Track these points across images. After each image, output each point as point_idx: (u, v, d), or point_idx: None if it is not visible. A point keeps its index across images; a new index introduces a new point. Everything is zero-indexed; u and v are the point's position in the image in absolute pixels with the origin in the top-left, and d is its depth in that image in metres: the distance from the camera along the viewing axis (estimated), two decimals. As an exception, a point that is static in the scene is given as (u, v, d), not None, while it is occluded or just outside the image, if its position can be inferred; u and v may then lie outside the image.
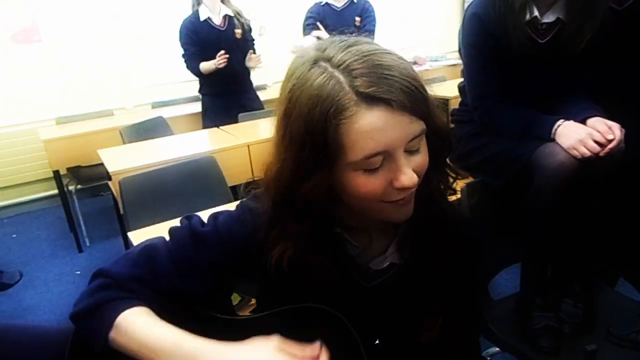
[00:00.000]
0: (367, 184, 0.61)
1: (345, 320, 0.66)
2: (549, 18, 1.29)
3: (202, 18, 2.97)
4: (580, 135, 1.18)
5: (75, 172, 3.14)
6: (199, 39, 2.96)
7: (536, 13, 1.28)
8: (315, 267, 0.67)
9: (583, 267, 1.41)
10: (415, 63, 4.99)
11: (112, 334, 0.66)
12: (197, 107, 3.60)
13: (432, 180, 0.69)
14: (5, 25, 3.47)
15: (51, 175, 3.06)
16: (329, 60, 0.60)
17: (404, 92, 0.58)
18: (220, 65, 2.87)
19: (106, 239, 3.16)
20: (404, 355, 0.72)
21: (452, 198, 0.78)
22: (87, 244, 3.11)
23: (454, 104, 1.70)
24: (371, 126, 0.58)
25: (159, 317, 0.68)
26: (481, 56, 1.38)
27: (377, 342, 0.71)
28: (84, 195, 3.60)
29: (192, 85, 3.92)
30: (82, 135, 2.99)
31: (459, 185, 1.34)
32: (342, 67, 0.59)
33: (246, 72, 3.19)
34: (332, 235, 0.70)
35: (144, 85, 3.98)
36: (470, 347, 0.83)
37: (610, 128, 1.18)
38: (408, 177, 0.60)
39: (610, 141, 1.17)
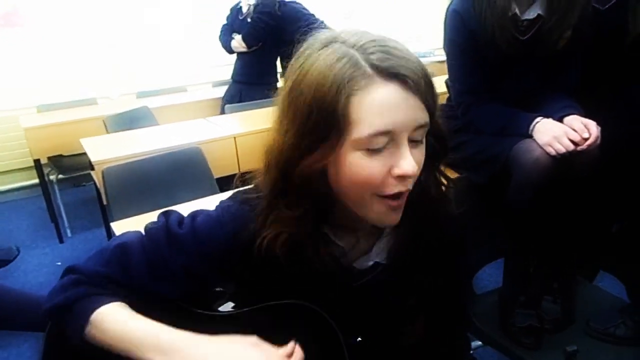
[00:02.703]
0: (366, 167, 0.59)
1: (327, 317, 0.66)
2: (529, 15, 1.30)
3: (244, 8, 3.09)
4: (556, 133, 1.20)
5: (57, 161, 3.08)
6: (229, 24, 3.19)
7: (516, 10, 1.29)
8: (303, 258, 0.66)
9: (561, 264, 1.44)
10: (403, 58, 5.00)
11: (88, 329, 0.65)
12: (183, 97, 3.56)
13: (422, 182, 0.67)
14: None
15: (32, 164, 2.99)
16: (343, 42, 0.60)
17: (419, 75, 0.58)
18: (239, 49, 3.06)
19: (88, 230, 3.12)
20: (385, 354, 0.72)
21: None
22: (69, 234, 3.06)
23: (442, 101, 1.71)
24: (383, 102, 0.56)
25: (135, 311, 0.67)
26: (462, 53, 1.40)
27: (358, 339, 0.70)
28: (66, 185, 3.53)
29: (178, 76, 3.88)
30: (65, 123, 2.91)
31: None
32: (357, 46, 0.58)
33: (272, 64, 3.22)
34: (320, 234, 0.68)
35: (129, 75, 3.91)
36: (457, 346, 0.83)
37: (586, 126, 1.20)
38: (409, 163, 0.59)
39: (586, 139, 1.19)
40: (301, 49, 0.63)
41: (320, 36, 0.62)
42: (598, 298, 1.45)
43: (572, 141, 1.19)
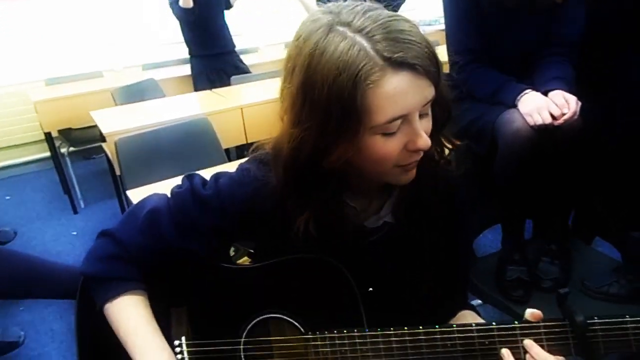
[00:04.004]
0: (384, 147, 0.63)
1: (343, 269, 0.72)
2: None
3: None
4: (538, 104, 1.24)
5: (67, 134, 3.14)
6: None
7: None
8: (324, 222, 0.71)
9: (559, 228, 1.49)
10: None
11: (107, 307, 0.75)
12: (188, 69, 3.57)
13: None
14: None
15: (42, 137, 3.05)
16: (347, 24, 0.60)
17: (427, 58, 0.60)
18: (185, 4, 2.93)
19: (100, 200, 3.20)
20: (395, 303, 0.79)
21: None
22: (82, 205, 3.15)
23: (446, 69, 1.73)
24: (396, 90, 0.59)
25: (147, 307, 0.77)
26: (459, 11, 1.41)
27: (370, 289, 0.76)
28: (76, 157, 3.60)
29: (183, 47, 3.87)
30: (73, 96, 2.96)
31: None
32: (363, 32, 0.59)
33: (227, 31, 3.25)
34: (339, 201, 0.73)
35: (133, 46, 3.91)
36: (458, 297, 0.90)
37: (567, 101, 1.23)
38: (423, 139, 0.63)
39: (564, 114, 1.22)
40: (303, 31, 0.63)
41: (320, 19, 0.62)
42: (594, 259, 1.51)
43: (552, 115, 1.22)
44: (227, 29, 3.26)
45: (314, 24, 0.62)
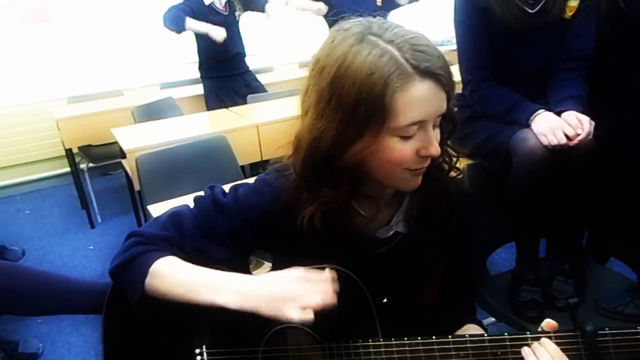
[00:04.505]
0: (399, 149, 0.68)
1: (358, 280, 0.75)
2: None
3: (206, 2, 3.05)
4: (552, 125, 1.25)
5: (87, 150, 3.22)
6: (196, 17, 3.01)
7: None
8: (334, 229, 0.74)
9: (573, 247, 1.49)
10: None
11: (148, 280, 0.74)
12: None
13: (435, 158, 0.75)
14: (15, 5, 3.51)
15: (63, 153, 3.13)
16: (379, 36, 0.66)
17: (447, 71, 0.67)
18: (218, 39, 2.94)
19: (117, 216, 3.26)
20: (407, 313, 0.81)
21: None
22: (99, 220, 3.21)
23: (458, 89, 1.76)
24: (422, 97, 0.65)
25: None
26: (471, 31, 1.45)
27: (384, 300, 0.79)
28: (94, 174, 3.68)
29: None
30: (94, 114, 3.04)
31: (462, 164, 1.42)
32: (393, 43, 0.65)
33: (243, 54, 3.31)
34: (349, 206, 0.77)
35: (152, 66, 4.02)
36: (465, 309, 0.91)
37: (580, 121, 1.25)
38: (435, 147, 0.69)
39: (578, 135, 1.23)
40: (336, 39, 0.68)
41: (352, 28, 0.68)
42: (608, 279, 1.50)
43: (566, 136, 1.23)
44: (242, 48, 3.31)
45: (347, 31, 0.68)
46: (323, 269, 0.75)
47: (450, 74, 0.67)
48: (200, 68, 3.31)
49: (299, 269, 0.71)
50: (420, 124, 0.67)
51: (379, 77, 0.63)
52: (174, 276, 0.73)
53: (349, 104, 0.65)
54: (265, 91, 3.28)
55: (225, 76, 3.25)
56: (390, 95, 0.64)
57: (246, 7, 3.20)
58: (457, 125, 0.77)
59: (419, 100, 0.65)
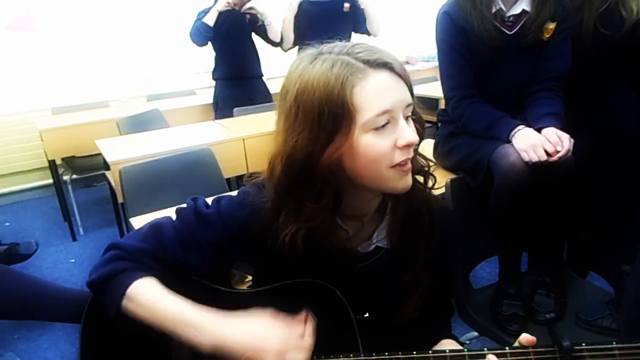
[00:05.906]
0: (376, 144, 0.69)
1: (339, 295, 0.75)
2: (515, 10, 1.42)
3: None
4: (533, 142, 1.28)
5: (70, 162, 3.19)
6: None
7: (501, 5, 1.41)
8: (316, 244, 0.75)
9: (553, 261, 1.52)
10: (407, 62, 5.08)
11: (125, 302, 0.74)
12: (192, 100, 3.65)
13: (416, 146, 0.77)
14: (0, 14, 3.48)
15: (46, 164, 3.09)
16: (329, 52, 0.71)
17: (399, 64, 0.71)
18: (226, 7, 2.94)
19: (100, 228, 3.22)
20: (387, 328, 0.81)
21: (437, 192, 0.86)
22: (81, 232, 3.16)
23: (441, 105, 1.80)
24: (380, 86, 0.69)
25: (166, 287, 0.76)
26: (452, 50, 1.49)
27: (366, 315, 0.79)
28: (77, 185, 3.64)
29: (187, 79, 3.95)
30: (79, 125, 3.01)
31: (443, 179, 1.44)
32: (343, 52, 0.70)
33: (255, 58, 3.29)
34: (332, 222, 0.77)
35: (138, 77, 4.02)
36: (444, 324, 0.92)
37: (560, 139, 1.28)
38: (410, 132, 0.71)
39: (558, 152, 1.26)
40: (292, 67, 0.73)
41: (307, 52, 0.73)
42: (589, 292, 1.53)
43: (546, 152, 1.26)
44: (256, 54, 3.29)
45: (301, 57, 0.73)
46: (303, 283, 0.76)
47: (404, 68, 0.71)
48: (213, 71, 3.30)
49: (273, 313, 0.73)
50: (389, 114, 0.69)
51: (336, 81, 0.67)
52: (151, 304, 0.73)
53: (314, 112, 0.68)
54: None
55: (234, 79, 3.24)
56: (350, 93, 0.67)
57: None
58: (424, 127, 0.79)
59: (378, 90, 0.68)
